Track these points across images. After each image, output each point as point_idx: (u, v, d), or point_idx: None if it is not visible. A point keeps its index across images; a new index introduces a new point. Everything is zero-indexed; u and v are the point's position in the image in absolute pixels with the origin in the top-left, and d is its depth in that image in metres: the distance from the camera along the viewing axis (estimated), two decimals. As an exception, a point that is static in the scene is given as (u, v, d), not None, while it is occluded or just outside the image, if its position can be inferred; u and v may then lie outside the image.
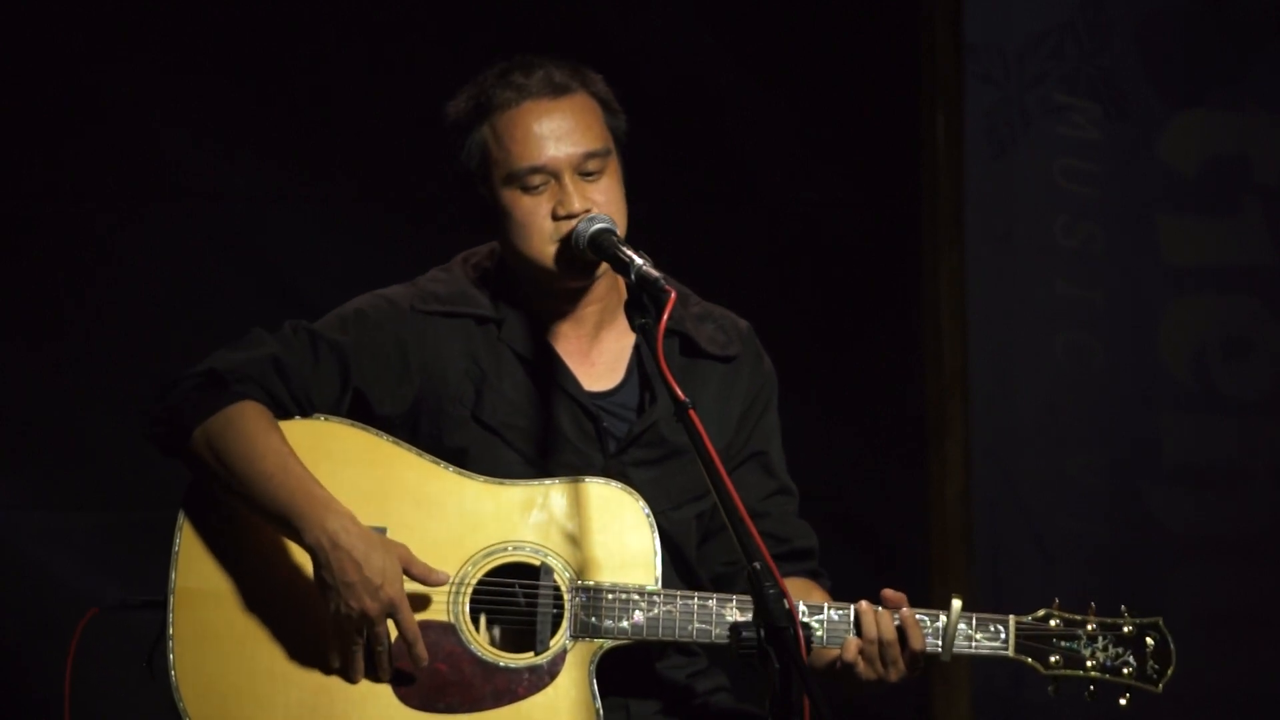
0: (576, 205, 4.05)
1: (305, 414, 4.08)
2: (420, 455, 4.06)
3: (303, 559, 3.98)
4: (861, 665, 3.98)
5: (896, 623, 3.99)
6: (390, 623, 3.94)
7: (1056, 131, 6.48)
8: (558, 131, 4.08)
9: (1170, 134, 6.50)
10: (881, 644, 3.97)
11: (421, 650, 3.94)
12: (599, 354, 4.20)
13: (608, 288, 4.18)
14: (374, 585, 3.90)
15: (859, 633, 3.99)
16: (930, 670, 4.10)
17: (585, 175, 4.08)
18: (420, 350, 4.13)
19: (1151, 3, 6.48)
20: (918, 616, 4.01)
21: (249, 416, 4.00)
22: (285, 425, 4.04)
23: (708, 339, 4.22)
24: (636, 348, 4.21)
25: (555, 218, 4.07)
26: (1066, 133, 6.48)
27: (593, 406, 4.15)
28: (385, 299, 4.18)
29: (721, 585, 4.19)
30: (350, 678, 3.96)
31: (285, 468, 3.96)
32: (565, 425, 4.14)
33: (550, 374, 4.15)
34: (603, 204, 4.07)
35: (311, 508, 3.93)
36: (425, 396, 4.12)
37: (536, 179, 4.08)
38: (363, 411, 4.11)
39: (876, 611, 3.99)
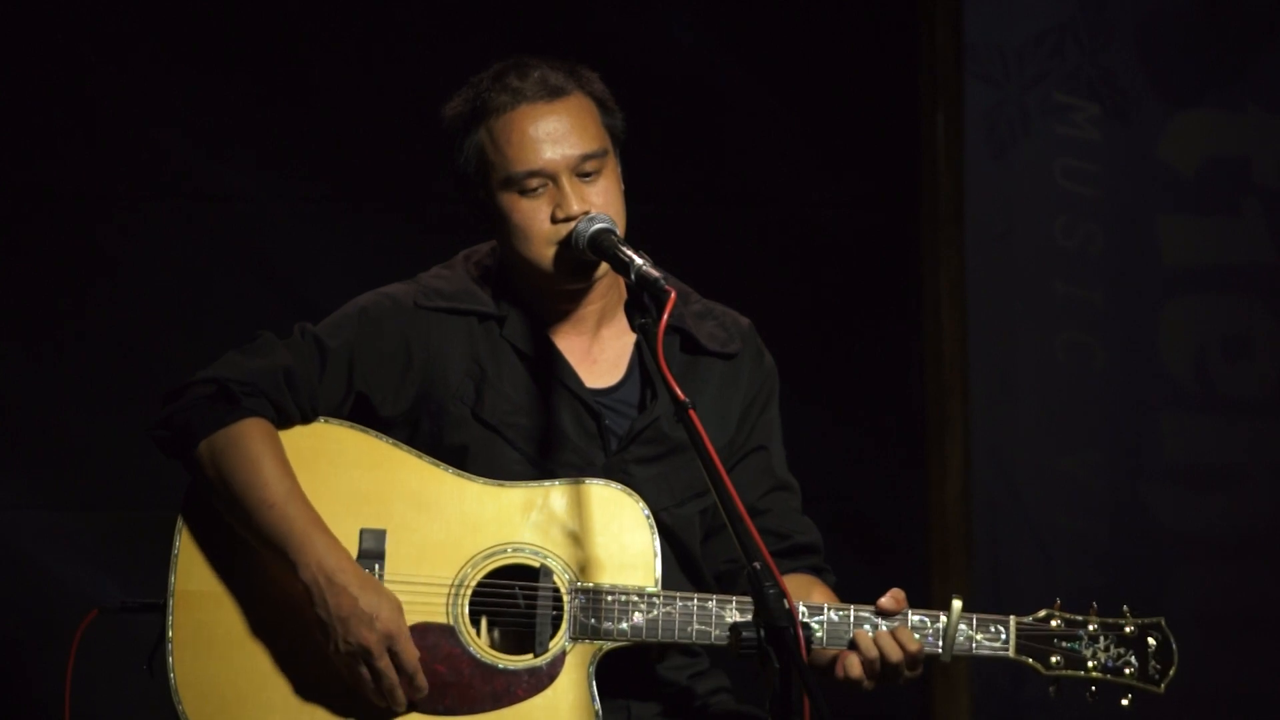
0: (575, 207, 4.05)
1: (309, 422, 4.08)
2: (420, 457, 4.06)
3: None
4: (866, 683, 3.98)
5: (894, 625, 3.98)
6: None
7: (1056, 131, 6.48)
8: (554, 134, 4.07)
9: (1170, 134, 6.50)
10: (884, 662, 3.96)
11: (422, 681, 3.93)
12: (600, 351, 4.20)
13: (608, 285, 4.17)
14: (369, 616, 3.90)
15: (859, 655, 3.98)
16: (930, 670, 4.09)
17: (583, 176, 4.08)
18: (424, 347, 4.13)
19: (1151, 3, 6.48)
20: (918, 617, 4.00)
21: (255, 438, 3.99)
22: (286, 429, 4.04)
23: (708, 336, 4.22)
24: (637, 344, 4.20)
25: (554, 220, 4.06)
26: (1066, 133, 6.48)
27: (594, 404, 4.15)
28: (388, 296, 4.18)
29: (725, 582, 4.19)
30: (368, 713, 3.96)
31: (287, 499, 3.95)
32: (567, 423, 4.13)
33: (552, 371, 4.15)
34: (601, 205, 4.06)
35: (310, 544, 3.92)
36: (427, 394, 4.12)
37: (534, 182, 4.07)
38: (364, 412, 4.11)
39: (874, 634, 3.97)
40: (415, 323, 4.14)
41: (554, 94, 4.09)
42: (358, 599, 3.91)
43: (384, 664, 3.92)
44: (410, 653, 3.92)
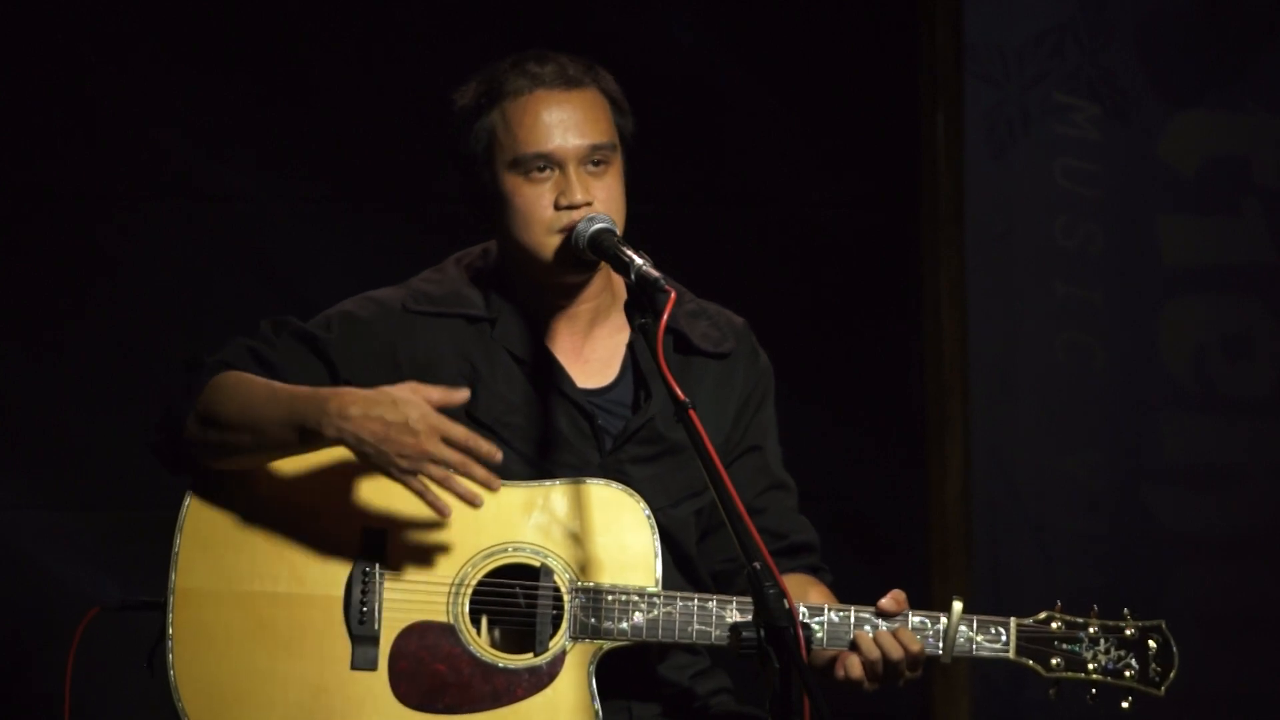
0: (579, 196, 4.05)
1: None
2: (419, 458, 4.06)
3: (301, 563, 3.98)
4: (867, 684, 3.98)
5: (895, 626, 3.98)
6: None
7: (1056, 131, 6.48)
8: (566, 122, 4.08)
9: (1170, 134, 6.50)
10: (886, 662, 3.96)
11: (482, 443, 3.90)
12: (592, 351, 4.20)
13: (602, 285, 4.17)
14: (401, 422, 3.87)
15: (860, 656, 3.98)
16: (930, 672, 4.08)
17: (590, 168, 4.08)
18: (411, 350, 4.12)
19: (1151, 3, 6.48)
20: (918, 619, 4.00)
21: (231, 379, 4.01)
22: None
23: (701, 336, 4.22)
24: (630, 345, 4.21)
25: (557, 207, 4.07)
26: (1066, 133, 6.49)
27: (587, 404, 4.15)
28: (374, 300, 4.17)
29: (721, 582, 4.19)
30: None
31: (273, 391, 3.95)
32: (561, 423, 4.13)
33: (544, 372, 4.15)
34: (604, 200, 4.06)
35: (310, 406, 3.90)
36: (421, 397, 4.12)
37: (540, 165, 4.07)
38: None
39: (875, 634, 3.97)
40: (403, 326, 4.13)
41: (570, 83, 4.10)
42: (383, 416, 3.87)
43: (446, 452, 3.88)
44: (455, 427, 3.88)
